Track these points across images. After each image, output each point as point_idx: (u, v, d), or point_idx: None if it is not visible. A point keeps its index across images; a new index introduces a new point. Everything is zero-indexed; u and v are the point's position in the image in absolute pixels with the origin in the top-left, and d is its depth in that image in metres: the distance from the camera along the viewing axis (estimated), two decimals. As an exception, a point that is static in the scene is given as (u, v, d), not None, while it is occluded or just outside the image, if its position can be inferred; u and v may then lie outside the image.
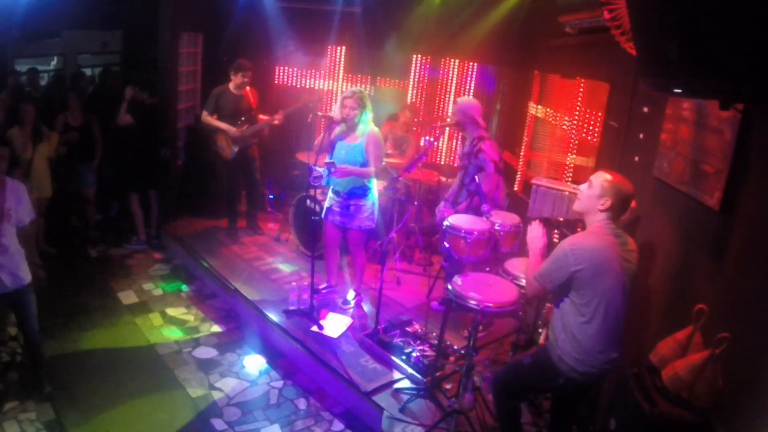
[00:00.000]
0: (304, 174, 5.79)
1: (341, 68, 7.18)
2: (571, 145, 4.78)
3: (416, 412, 3.64)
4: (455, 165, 6.17)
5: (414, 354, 4.05)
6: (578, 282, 2.60)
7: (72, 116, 5.82)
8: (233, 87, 5.75)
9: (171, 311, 5.02)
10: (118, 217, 6.80)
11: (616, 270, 2.60)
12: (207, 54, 6.90)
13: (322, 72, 7.25)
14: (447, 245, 3.96)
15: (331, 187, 4.61)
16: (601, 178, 2.68)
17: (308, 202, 5.38)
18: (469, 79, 6.84)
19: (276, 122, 5.91)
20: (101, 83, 7.54)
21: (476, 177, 4.40)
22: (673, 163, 3.11)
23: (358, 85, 6.95)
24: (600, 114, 4.32)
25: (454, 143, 7.02)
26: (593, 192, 2.68)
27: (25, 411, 3.62)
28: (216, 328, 4.82)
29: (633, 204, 3.27)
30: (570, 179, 4.75)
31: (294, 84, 7.31)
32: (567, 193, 4.14)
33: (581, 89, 4.66)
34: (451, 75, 6.86)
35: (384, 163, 5.09)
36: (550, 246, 2.97)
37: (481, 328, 3.68)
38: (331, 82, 7.26)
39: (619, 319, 2.65)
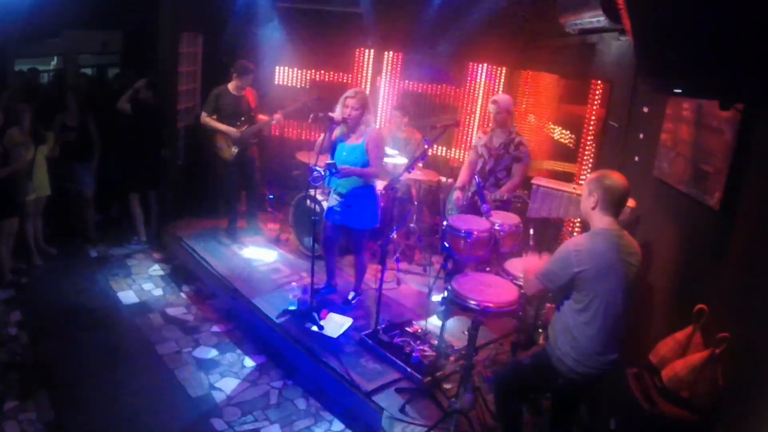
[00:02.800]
0: (304, 174, 5.78)
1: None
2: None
3: (416, 412, 3.64)
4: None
5: (414, 354, 4.05)
6: (580, 283, 2.60)
7: (70, 116, 5.81)
8: (232, 88, 5.72)
9: (171, 311, 5.02)
10: (118, 217, 6.80)
11: (618, 272, 2.60)
12: (207, 54, 6.89)
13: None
14: (447, 245, 3.96)
15: (333, 188, 4.61)
16: (588, 179, 2.73)
17: (308, 202, 5.38)
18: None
19: (275, 122, 5.91)
20: (99, 80, 7.52)
21: (512, 167, 4.76)
22: (673, 163, 3.11)
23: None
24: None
25: (454, 144, 6.96)
26: (584, 194, 2.74)
27: (25, 411, 3.61)
28: (216, 328, 4.82)
29: (633, 203, 3.28)
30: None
31: (295, 84, 7.25)
32: (567, 193, 4.13)
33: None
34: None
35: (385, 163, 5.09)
36: (554, 246, 2.99)
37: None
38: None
39: (619, 321, 2.65)
